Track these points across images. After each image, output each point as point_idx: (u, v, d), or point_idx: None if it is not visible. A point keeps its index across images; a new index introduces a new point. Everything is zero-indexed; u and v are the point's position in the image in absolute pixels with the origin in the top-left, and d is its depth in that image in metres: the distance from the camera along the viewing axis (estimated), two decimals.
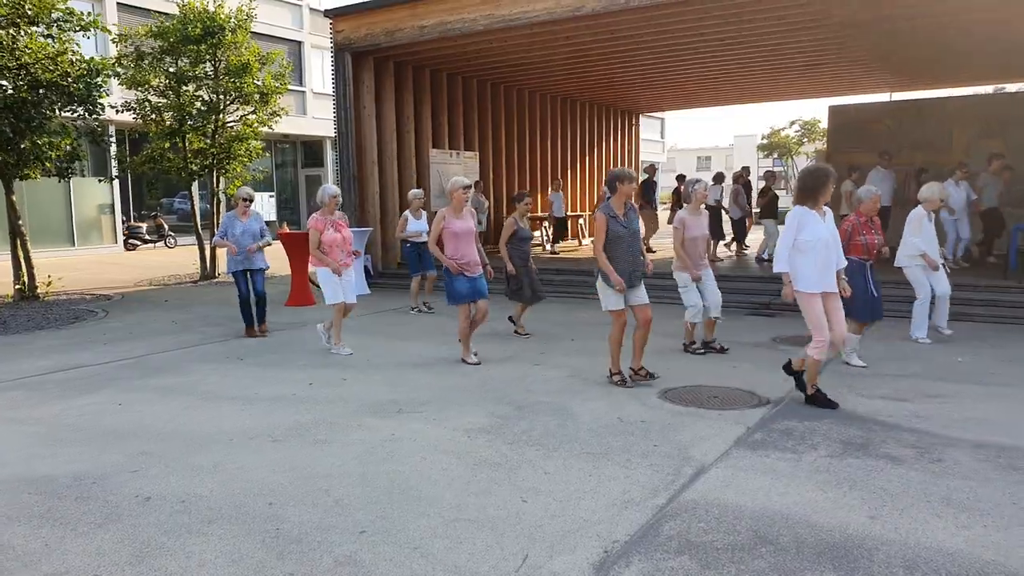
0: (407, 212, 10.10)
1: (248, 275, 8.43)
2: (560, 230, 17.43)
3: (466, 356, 7.06)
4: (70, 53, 11.30)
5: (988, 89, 21.77)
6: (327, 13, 13.37)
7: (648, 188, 15.87)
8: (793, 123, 40.75)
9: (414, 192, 10.10)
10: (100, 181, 15.00)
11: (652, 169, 16.02)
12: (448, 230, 6.81)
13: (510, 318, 8.75)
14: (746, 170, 15.64)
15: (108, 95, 11.80)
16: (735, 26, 11.96)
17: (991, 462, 4.43)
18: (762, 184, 14.23)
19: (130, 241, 21.99)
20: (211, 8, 14.09)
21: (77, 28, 11.03)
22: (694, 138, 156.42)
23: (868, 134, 16.17)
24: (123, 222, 21.90)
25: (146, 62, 14.13)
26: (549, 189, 18.23)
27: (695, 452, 4.65)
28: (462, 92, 16.17)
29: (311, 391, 6.26)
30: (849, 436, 4.93)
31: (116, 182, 20.83)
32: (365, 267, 13.02)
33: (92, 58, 11.61)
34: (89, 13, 11.70)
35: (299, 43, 26.53)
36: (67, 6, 10.89)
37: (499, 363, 7.18)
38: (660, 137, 55.45)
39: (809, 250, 5.38)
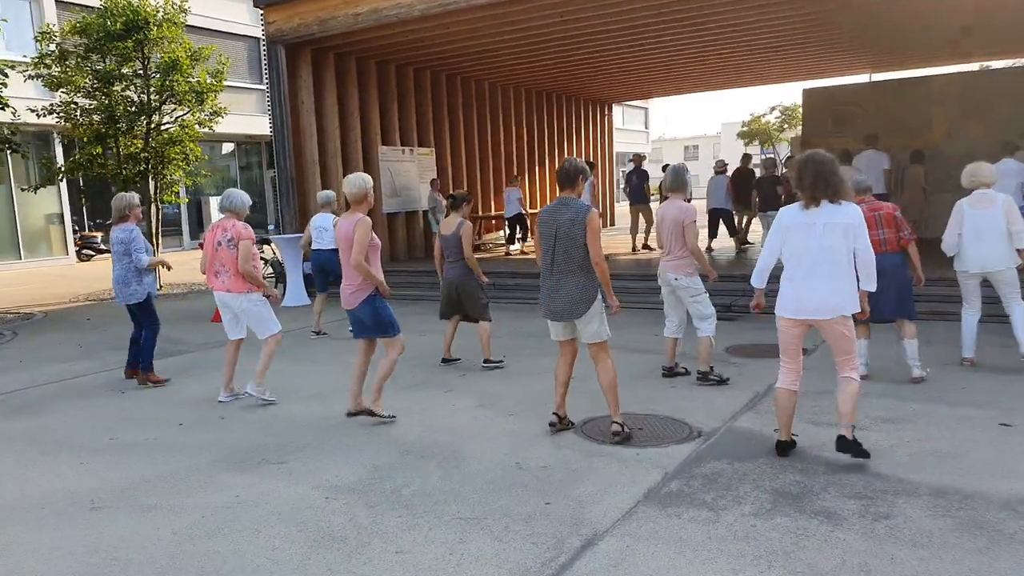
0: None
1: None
2: (516, 229, 16.22)
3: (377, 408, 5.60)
4: None
5: (975, 68, 20.89)
6: (256, 3, 12.45)
7: (637, 180, 14.76)
8: (773, 109, 39.70)
9: (325, 195, 9.00)
10: (23, 190, 14.09)
11: (639, 159, 14.94)
12: (372, 244, 5.33)
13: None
14: (720, 163, 14.64)
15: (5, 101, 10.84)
16: (696, 3, 11.06)
17: (951, 517, 3.59)
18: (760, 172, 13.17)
19: (84, 252, 21.04)
20: (135, 2, 13.16)
21: None
22: (683, 127, 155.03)
23: (844, 117, 15.32)
24: (75, 232, 20.95)
25: (72, 61, 13.23)
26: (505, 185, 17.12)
27: (592, 513, 3.80)
28: (414, 84, 15.26)
29: (177, 434, 5.41)
30: (784, 483, 4.08)
31: (64, 191, 19.93)
32: (305, 275, 12.13)
33: None
34: None
35: (258, 39, 25.55)
36: None
37: (406, 390, 6.32)
38: (644, 127, 54.56)
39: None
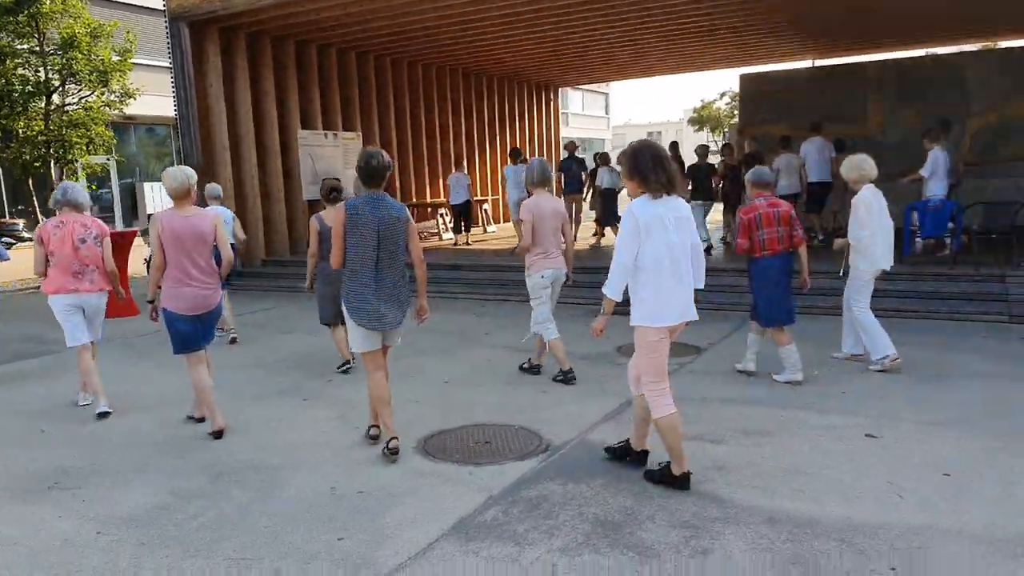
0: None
1: None
2: (463, 218, 15.66)
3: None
4: None
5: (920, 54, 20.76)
6: None
7: (577, 167, 13.99)
8: (723, 94, 39.37)
9: (213, 188, 8.15)
10: None
11: (572, 146, 14.36)
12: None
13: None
14: (674, 145, 14.03)
15: None
16: None
17: (774, 551, 3.24)
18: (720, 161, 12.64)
19: (3, 240, 20.11)
20: None
21: None
22: (646, 113, 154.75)
23: (780, 104, 15.03)
24: None
25: None
26: (452, 171, 16.47)
27: (383, 551, 3.39)
28: (336, 66, 14.61)
29: None
30: (611, 509, 3.71)
31: None
32: None
33: None
34: None
35: None
36: None
37: (262, 399, 5.85)
38: (604, 113, 54.11)
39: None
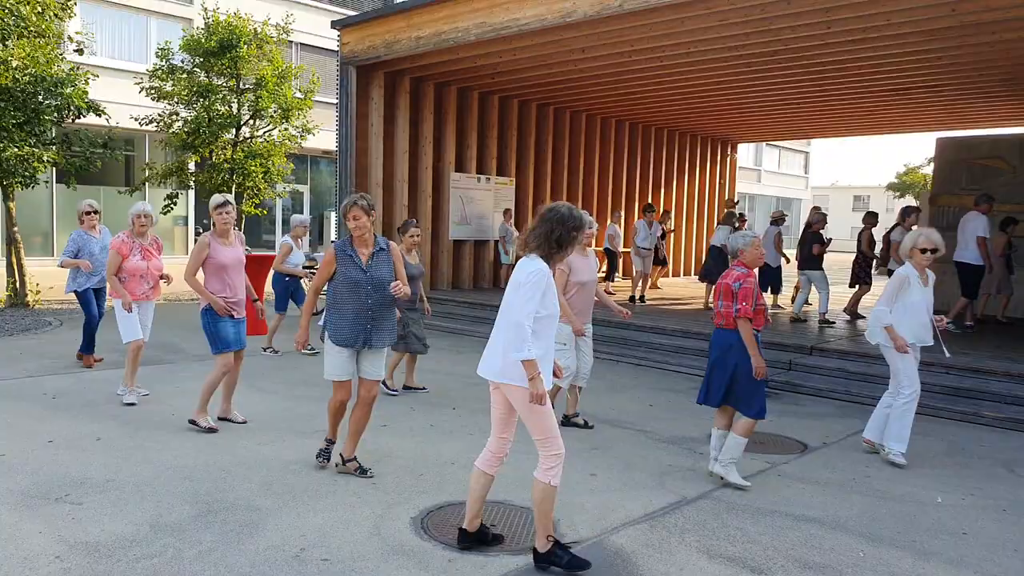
0: (288, 239, 8.88)
1: (97, 295, 7.60)
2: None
3: (200, 417, 5.63)
4: (30, 60, 10.96)
5: None
6: (334, 24, 12.58)
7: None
8: (930, 160, 35.44)
9: (298, 218, 8.82)
10: (120, 193, 15.12)
11: (779, 216, 13.12)
12: (213, 260, 5.49)
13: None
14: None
15: (83, 105, 11.54)
16: (818, 32, 9.60)
17: None
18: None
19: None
20: (234, 21, 13.77)
21: (36, 35, 10.87)
22: (852, 175, 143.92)
23: (981, 173, 13.14)
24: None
25: (184, 75, 14.03)
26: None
27: None
28: (497, 113, 14.83)
29: (32, 450, 5.13)
30: None
31: (192, 196, 21.36)
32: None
33: (64, 70, 11.43)
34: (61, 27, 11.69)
35: None
36: (16, 17, 10.68)
37: (264, 438, 5.73)
38: (804, 172, 51.07)
39: None
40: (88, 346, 7.76)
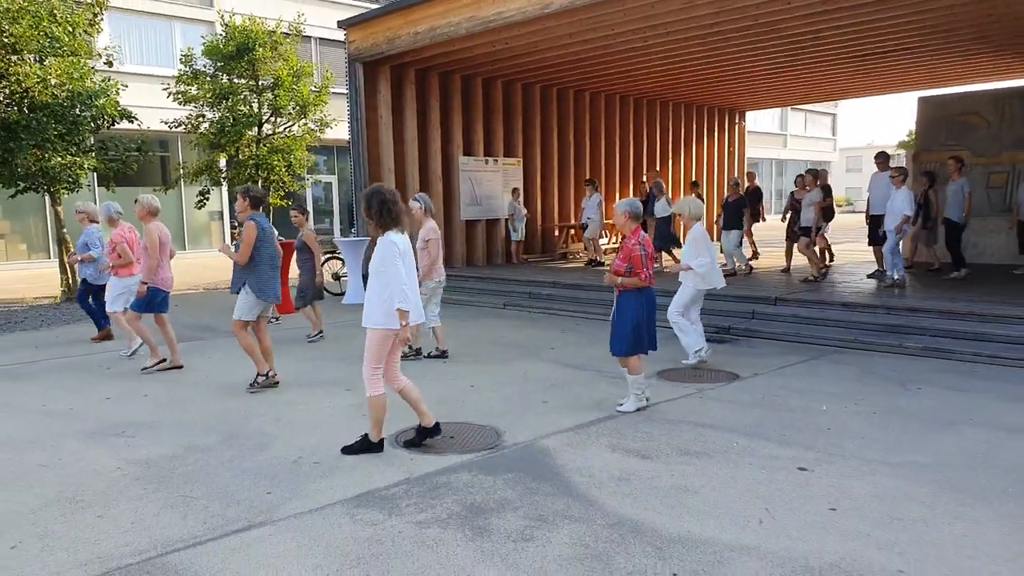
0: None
1: None
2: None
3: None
4: (66, 76, 12.23)
5: None
6: (340, 24, 13.67)
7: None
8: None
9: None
10: (155, 190, 16.49)
11: (752, 176, 14.37)
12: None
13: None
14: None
15: (116, 114, 12.85)
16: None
17: (587, 547, 3.52)
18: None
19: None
20: (249, 24, 14.96)
21: (69, 54, 12.13)
22: (878, 133, 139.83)
23: (962, 129, 13.70)
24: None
25: (208, 80, 15.31)
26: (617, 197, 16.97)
27: (290, 504, 4.17)
28: (502, 97, 15.79)
29: (91, 405, 6.40)
30: (490, 498, 4.15)
31: (224, 192, 22.79)
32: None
33: (97, 82, 12.71)
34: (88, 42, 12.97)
35: None
36: (52, 35, 11.91)
37: (310, 387, 6.91)
38: (831, 134, 50.83)
39: None
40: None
